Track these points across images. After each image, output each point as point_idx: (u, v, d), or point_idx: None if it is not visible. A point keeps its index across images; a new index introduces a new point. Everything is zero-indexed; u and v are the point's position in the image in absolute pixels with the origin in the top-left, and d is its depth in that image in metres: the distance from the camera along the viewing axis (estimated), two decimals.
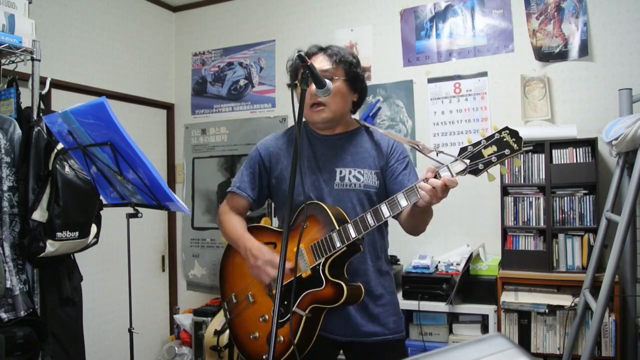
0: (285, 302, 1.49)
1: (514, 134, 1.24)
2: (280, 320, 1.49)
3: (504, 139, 1.24)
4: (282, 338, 1.48)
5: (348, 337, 1.57)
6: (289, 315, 1.47)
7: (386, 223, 1.66)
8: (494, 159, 1.25)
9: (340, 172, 1.58)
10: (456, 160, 1.28)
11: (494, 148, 1.25)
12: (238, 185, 1.68)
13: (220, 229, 1.72)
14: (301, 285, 1.48)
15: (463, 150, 1.28)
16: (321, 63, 1.55)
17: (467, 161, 1.27)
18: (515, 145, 1.24)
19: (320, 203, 1.51)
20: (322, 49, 1.60)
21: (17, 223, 2.04)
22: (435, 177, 1.29)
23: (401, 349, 1.64)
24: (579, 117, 2.79)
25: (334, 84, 1.52)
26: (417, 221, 1.51)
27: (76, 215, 2.09)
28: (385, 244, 1.68)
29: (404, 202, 1.34)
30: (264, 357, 1.47)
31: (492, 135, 1.26)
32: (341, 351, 1.68)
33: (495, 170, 1.28)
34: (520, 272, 2.59)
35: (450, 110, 3.11)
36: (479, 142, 1.27)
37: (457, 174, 1.28)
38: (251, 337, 1.59)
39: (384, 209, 1.37)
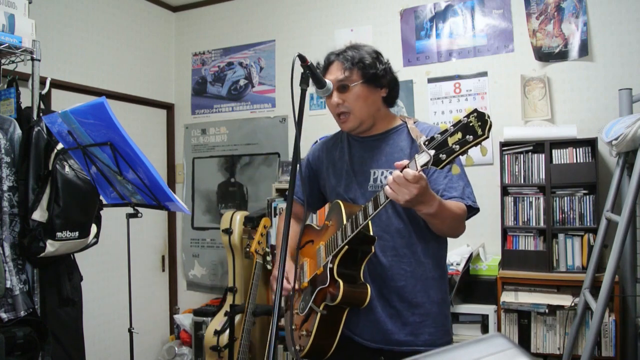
0: (307, 298, 1.53)
1: (480, 117, 1.07)
2: (302, 315, 1.55)
3: (470, 124, 1.08)
4: (305, 331, 1.51)
5: (377, 344, 1.53)
6: (306, 310, 1.52)
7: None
8: (456, 147, 1.09)
9: (374, 173, 1.56)
10: (423, 151, 1.15)
11: (459, 135, 1.09)
12: None
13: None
14: (317, 282, 1.51)
15: (431, 139, 1.14)
16: (336, 73, 1.52)
17: (432, 152, 1.12)
18: (480, 130, 1.07)
19: (340, 202, 1.53)
20: (338, 55, 1.54)
21: (17, 223, 2.04)
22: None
23: None
24: (579, 117, 2.79)
25: (352, 91, 1.50)
26: (432, 224, 1.44)
27: (76, 215, 2.09)
28: (433, 248, 1.54)
29: (383, 199, 1.28)
30: (293, 348, 1.54)
31: (460, 121, 1.10)
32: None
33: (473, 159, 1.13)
34: (520, 272, 2.59)
35: (451, 110, 3.11)
36: (446, 130, 1.12)
37: (422, 166, 1.15)
38: (291, 327, 1.63)
39: (370, 206, 1.33)
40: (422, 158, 1.16)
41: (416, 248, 1.51)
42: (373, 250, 1.47)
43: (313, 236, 1.65)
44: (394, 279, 1.51)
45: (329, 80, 1.52)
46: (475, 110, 1.09)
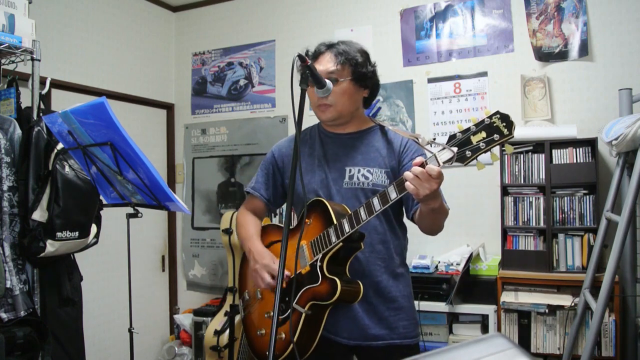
0: (287, 299, 1.50)
1: (504, 118, 1.15)
2: (281, 317, 1.50)
3: (494, 124, 1.15)
4: (283, 335, 1.48)
5: (355, 340, 1.54)
6: (288, 312, 1.48)
7: (401, 223, 1.64)
8: (482, 145, 1.16)
9: (350, 170, 1.57)
10: (444, 148, 1.21)
11: (483, 134, 1.16)
12: (252, 185, 1.74)
13: (236, 229, 1.78)
14: (301, 282, 1.49)
15: (452, 137, 1.20)
16: (327, 64, 1.54)
17: (455, 149, 1.19)
18: (506, 130, 1.14)
19: (323, 200, 1.52)
20: (330, 47, 1.57)
21: (17, 223, 2.03)
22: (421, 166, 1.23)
23: (413, 356, 1.55)
24: (579, 117, 2.79)
25: (340, 85, 1.52)
26: (428, 221, 1.48)
27: (76, 215, 2.09)
28: (401, 245, 1.63)
29: (393, 195, 1.31)
30: (266, 352, 1.50)
31: (482, 121, 1.17)
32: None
33: (486, 158, 1.19)
34: (520, 272, 2.59)
35: (450, 110, 3.11)
36: (468, 129, 1.18)
37: (445, 162, 1.21)
38: (258, 333, 1.61)
39: (375, 202, 1.35)
40: (445, 154, 1.20)
41: (389, 244, 1.57)
42: (362, 247, 1.48)
43: (278, 236, 1.62)
44: (371, 274, 1.54)
45: (317, 69, 1.52)
46: (498, 112, 1.16)
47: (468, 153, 1.18)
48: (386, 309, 1.55)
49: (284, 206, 1.81)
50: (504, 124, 1.14)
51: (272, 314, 1.52)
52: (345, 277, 1.47)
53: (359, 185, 1.55)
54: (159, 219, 3.90)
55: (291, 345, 1.45)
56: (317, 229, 1.49)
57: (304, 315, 1.45)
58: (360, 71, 1.55)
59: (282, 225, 1.65)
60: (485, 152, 1.17)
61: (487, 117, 1.16)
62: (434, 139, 1.22)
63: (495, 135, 1.15)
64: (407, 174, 1.24)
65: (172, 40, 4.08)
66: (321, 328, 1.48)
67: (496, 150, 1.19)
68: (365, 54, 1.60)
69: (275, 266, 1.51)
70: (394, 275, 1.57)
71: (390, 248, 1.57)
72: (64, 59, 3.14)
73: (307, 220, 1.55)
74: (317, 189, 1.59)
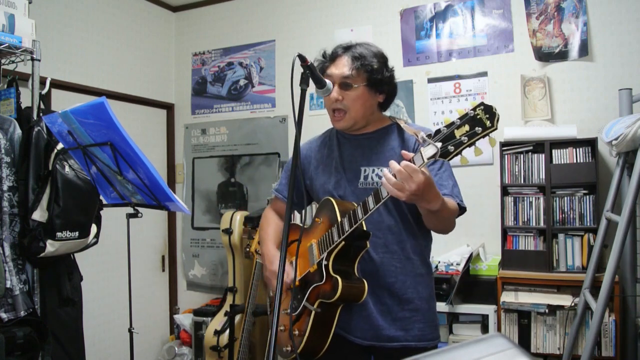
0: (299, 296, 1.52)
1: (488, 109, 1.11)
2: (294, 314, 1.53)
3: (478, 116, 1.12)
4: (297, 331, 1.50)
5: (369, 341, 1.53)
6: (299, 309, 1.50)
7: (422, 223, 1.59)
8: (464, 139, 1.12)
9: (365, 170, 1.57)
10: (429, 144, 1.17)
11: (466, 127, 1.13)
12: (276, 188, 1.81)
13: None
14: (311, 280, 1.50)
15: (437, 132, 1.17)
16: (342, 69, 1.51)
17: (439, 144, 1.15)
18: (488, 122, 1.11)
19: (331, 199, 1.53)
20: (346, 49, 1.54)
21: (17, 223, 2.04)
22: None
23: None
24: (579, 117, 2.79)
25: (354, 91, 1.51)
26: (429, 221, 1.47)
27: (76, 215, 2.09)
28: (420, 245, 1.59)
29: (385, 192, 1.29)
30: (284, 349, 1.53)
31: (466, 114, 1.13)
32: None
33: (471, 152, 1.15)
34: (520, 272, 2.59)
35: (451, 110, 3.11)
36: (452, 123, 1.15)
37: (429, 158, 1.17)
38: (280, 329, 1.62)
39: (370, 201, 1.34)
40: (429, 150, 1.18)
41: (406, 244, 1.55)
42: (368, 246, 1.47)
43: (298, 235, 1.64)
44: (385, 275, 1.53)
45: (332, 72, 1.53)
46: (482, 103, 1.12)
47: (451, 148, 1.14)
48: (401, 309, 1.52)
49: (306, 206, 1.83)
50: (487, 115, 1.11)
51: (288, 311, 1.56)
52: (353, 276, 1.47)
53: (373, 185, 1.54)
54: (159, 219, 3.90)
55: (304, 339, 1.45)
56: (325, 228, 1.50)
57: (313, 312, 1.46)
58: (376, 78, 1.52)
59: (301, 225, 1.66)
60: (468, 146, 1.13)
61: (471, 110, 1.13)
62: (430, 135, 1.18)
63: (478, 128, 1.11)
64: (385, 173, 1.23)
65: (172, 40, 4.08)
66: (333, 327, 1.48)
67: (480, 143, 1.15)
68: (382, 59, 1.56)
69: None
70: (411, 276, 1.54)
71: (407, 248, 1.54)
72: (64, 59, 3.14)
73: (317, 219, 1.57)
74: (332, 190, 1.60)
